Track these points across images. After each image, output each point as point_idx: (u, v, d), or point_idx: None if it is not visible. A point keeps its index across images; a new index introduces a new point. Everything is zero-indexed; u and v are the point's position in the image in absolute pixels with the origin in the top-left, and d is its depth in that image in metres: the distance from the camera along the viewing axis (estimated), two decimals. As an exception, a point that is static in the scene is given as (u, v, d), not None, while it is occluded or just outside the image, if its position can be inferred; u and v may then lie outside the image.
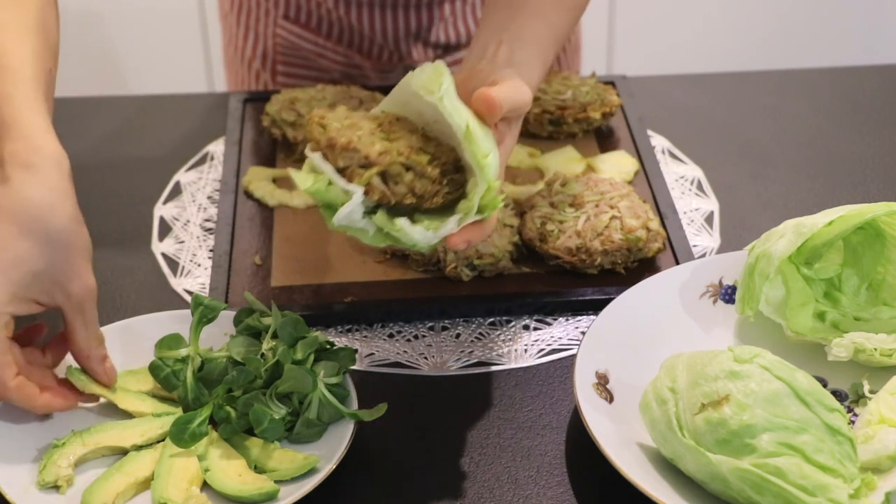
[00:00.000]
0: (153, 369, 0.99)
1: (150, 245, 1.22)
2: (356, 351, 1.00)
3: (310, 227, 1.21)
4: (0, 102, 0.91)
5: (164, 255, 1.21)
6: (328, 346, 1.00)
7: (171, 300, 1.15)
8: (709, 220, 1.25)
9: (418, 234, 0.90)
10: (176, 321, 1.03)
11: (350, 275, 1.14)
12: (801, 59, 2.71)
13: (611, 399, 0.98)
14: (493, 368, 1.07)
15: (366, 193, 0.90)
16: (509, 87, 0.95)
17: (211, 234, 1.23)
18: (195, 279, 1.17)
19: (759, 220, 1.24)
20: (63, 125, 1.41)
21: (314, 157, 0.91)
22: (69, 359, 0.98)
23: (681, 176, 1.32)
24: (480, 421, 1.02)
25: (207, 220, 1.25)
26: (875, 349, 1.00)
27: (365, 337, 1.10)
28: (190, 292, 1.16)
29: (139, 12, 2.61)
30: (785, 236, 1.02)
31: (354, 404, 0.97)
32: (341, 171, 0.90)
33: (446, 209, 0.93)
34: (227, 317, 1.02)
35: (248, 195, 1.26)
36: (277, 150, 1.33)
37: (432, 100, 0.90)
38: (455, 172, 0.93)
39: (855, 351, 1.00)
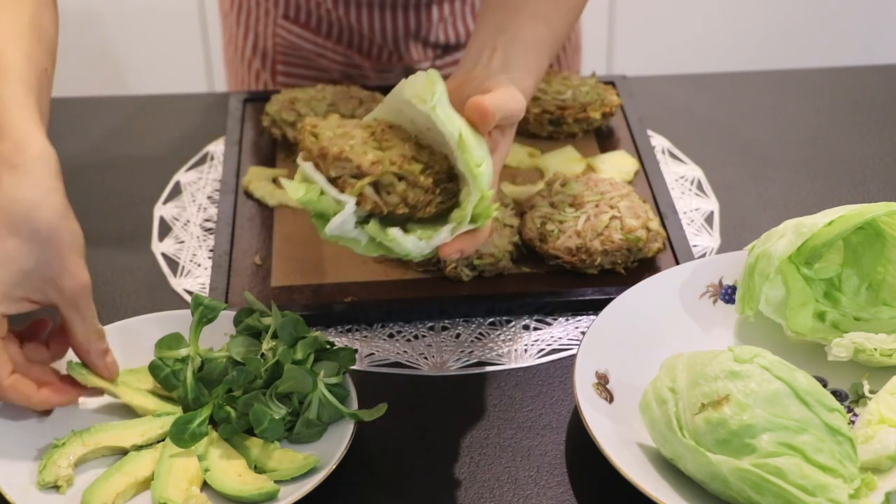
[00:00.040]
0: (153, 369, 0.99)
1: (150, 245, 1.22)
2: (356, 351, 1.00)
3: (310, 227, 1.20)
4: None
5: (164, 255, 1.21)
6: (328, 346, 1.00)
7: (171, 300, 1.15)
8: (709, 220, 1.25)
9: (411, 243, 0.90)
10: (176, 321, 1.03)
11: (350, 275, 1.14)
12: (801, 59, 2.71)
13: (611, 399, 0.98)
14: (493, 368, 1.07)
15: (358, 203, 0.89)
16: (502, 94, 0.94)
17: (211, 234, 1.23)
18: (195, 279, 1.17)
19: (759, 220, 1.24)
20: (63, 125, 1.42)
21: (306, 167, 0.91)
22: (72, 353, 0.98)
23: (681, 176, 1.32)
24: (480, 421, 1.02)
25: (207, 220, 1.25)
26: (875, 349, 1.00)
27: (365, 337, 1.10)
28: (190, 292, 1.16)
29: (139, 12, 2.61)
30: (785, 236, 1.02)
31: (354, 404, 0.97)
32: (333, 181, 0.90)
33: (439, 218, 0.93)
34: (227, 317, 1.02)
35: (248, 195, 1.26)
36: (277, 150, 1.33)
37: (425, 108, 0.90)
38: (448, 181, 0.92)
39: (855, 351, 1.00)
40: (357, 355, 1.03)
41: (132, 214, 1.27)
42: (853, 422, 0.97)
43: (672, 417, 0.89)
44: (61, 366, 0.98)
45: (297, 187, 0.90)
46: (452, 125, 0.89)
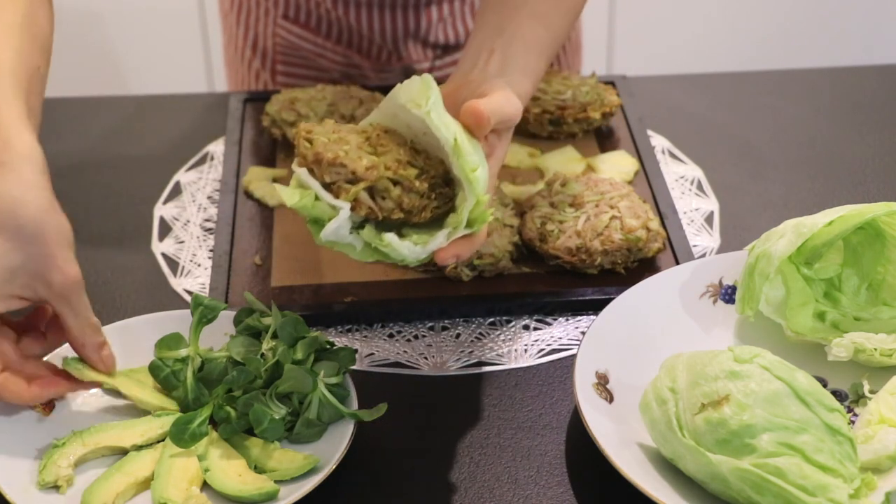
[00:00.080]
0: (153, 369, 0.99)
1: (150, 245, 1.22)
2: (356, 351, 1.00)
3: (310, 227, 1.21)
4: None
5: (164, 255, 1.21)
6: (328, 346, 1.00)
7: (171, 300, 1.15)
8: (709, 220, 1.25)
9: (406, 249, 0.90)
10: (176, 321, 1.03)
11: (350, 275, 1.14)
12: (801, 59, 2.71)
13: (611, 399, 0.98)
14: (493, 368, 1.07)
15: (353, 209, 0.89)
16: (498, 98, 0.94)
17: (211, 234, 1.23)
18: (195, 279, 1.17)
19: (759, 220, 1.24)
20: (63, 125, 1.42)
21: (301, 173, 0.91)
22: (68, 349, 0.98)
23: (681, 176, 1.32)
24: (480, 421, 1.02)
25: (207, 220, 1.25)
26: (875, 349, 1.00)
27: (365, 337, 1.10)
28: (190, 292, 1.16)
29: (139, 12, 2.61)
30: (785, 236, 1.02)
31: (354, 404, 0.97)
32: (328, 187, 0.90)
33: (435, 223, 0.93)
34: (227, 317, 1.02)
35: (248, 195, 1.26)
36: (277, 150, 1.33)
37: (420, 113, 0.90)
38: (444, 186, 0.92)
39: (855, 351, 1.00)
40: (357, 355, 1.03)
41: (132, 214, 1.27)
42: (853, 422, 0.97)
43: (672, 417, 0.89)
44: (61, 357, 0.98)
45: (292, 193, 0.90)
46: (447, 130, 0.89)
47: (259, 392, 0.95)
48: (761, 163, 1.34)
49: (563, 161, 1.30)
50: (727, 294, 1.09)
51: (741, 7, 2.75)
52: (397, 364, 1.08)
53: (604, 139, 1.34)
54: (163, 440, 0.96)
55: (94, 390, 1.01)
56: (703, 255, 1.19)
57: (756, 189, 1.30)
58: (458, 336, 1.10)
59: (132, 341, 1.03)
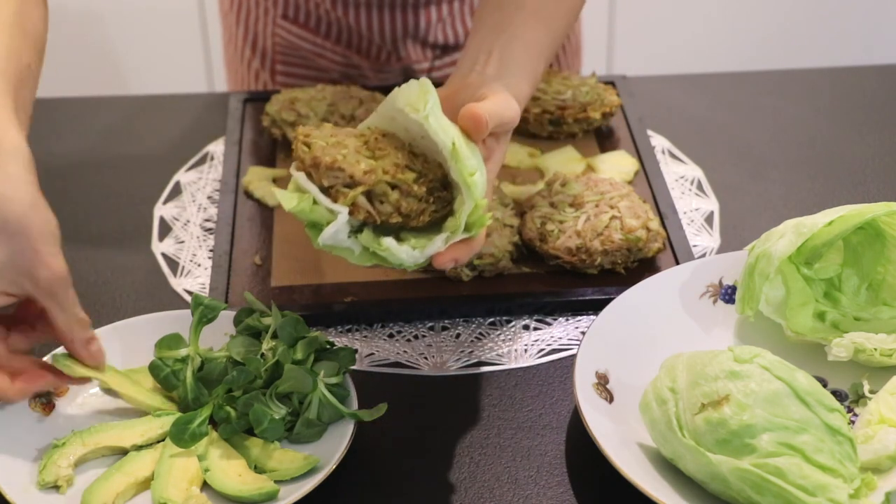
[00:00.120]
0: (153, 369, 0.99)
1: (150, 245, 1.22)
2: (356, 351, 1.00)
3: (309, 227, 1.21)
4: None
5: (164, 255, 1.21)
6: (328, 346, 1.00)
7: (171, 300, 1.15)
8: (709, 220, 1.25)
9: (405, 253, 0.90)
10: (176, 321, 1.03)
11: (350, 275, 1.14)
12: (801, 59, 2.71)
13: (611, 399, 0.98)
14: (493, 368, 1.07)
15: (351, 213, 0.89)
16: (497, 102, 0.94)
17: (211, 234, 1.23)
18: (195, 279, 1.17)
19: (759, 220, 1.24)
20: (63, 125, 1.42)
21: (299, 177, 0.91)
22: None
23: (681, 176, 1.32)
24: (480, 421, 1.02)
25: (207, 220, 1.25)
26: (875, 349, 1.00)
27: (365, 337, 1.10)
28: (190, 292, 1.16)
29: (139, 12, 2.61)
30: (785, 236, 1.02)
31: (354, 404, 0.97)
32: (326, 191, 0.90)
33: (433, 226, 0.93)
34: (227, 317, 1.02)
35: (248, 195, 1.26)
36: (277, 150, 1.34)
37: (418, 118, 0.89)
38: (442, 189, 0.92)
39: (855, 351, 1.00)
40: (357, 355, 1.03)
41: (132, 214, 1.27)
42: (853, 422, 0.97)
43: (672, 417, 0.89)
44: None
45: (290, 197, 0.90)
46: (445, 135, 0.89)
47: (259, 392, 0.95)
48: (761, 163, 1.34)
49: (563, 161, 1.30)
50: (727, 294, 1.09)
51: (741, 7, 2.75)
52: (397, 364, 1.08)
53: (604, 139, 1.34)
54: (163, 440, 0.96)
55: (94, 390, 1.01)
56: (703, 255, 1.19)
57: (756, 189, 1.30)
58: (458, 336, 1.10)
59: (132, 341, 1.03)
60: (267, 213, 1.23)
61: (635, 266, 1.15)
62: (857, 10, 2.79)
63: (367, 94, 1.34)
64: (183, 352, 1.00)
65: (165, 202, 1.29)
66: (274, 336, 0.99)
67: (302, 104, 1.31)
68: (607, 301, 1.05)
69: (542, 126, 1.33)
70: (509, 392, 1.04)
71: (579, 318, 1.12)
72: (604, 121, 1.34)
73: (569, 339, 1.10)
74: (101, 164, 1.35)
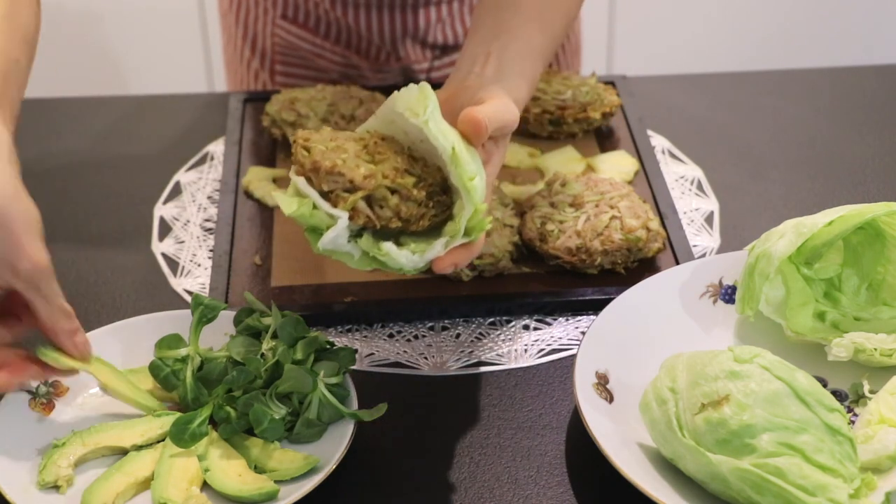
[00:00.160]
0: (153, 369, 0.99)
1: (150, 245, 1.22)
2: (356, 351, 1.00)
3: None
4: None
5: (164, 255, 1.21)
6: (328, 346, 1.00)
7: (171, 300, 1.15)
8: (709, 220, 1.25)
9: (404, 258, 0.90)
10: (176, 321, 1.03)
11: (350, 275, 1.14)
12: (801, 59, 2.71)
13: (611, 399, 0.98)
14: (493, 368, 1.07)
15: (351, 218, 0.89)
16: (496, 105, 0.94)
17: (211, 234, 1.23)
18: (195, 279, 1.17)
19: (759, 220, 1.24)
20: (63, 125, 1.42)
21: (298, 181, 0.91)
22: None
23: (681, 176, 1.32)
24: (480, 421, 1.02)
25: (207, 220, 1.25)
26: (875, 349, 1.00)
27: (365, 337, 1.10)
28: (190, 292, 1.16)
29: (139, 12, 2.61)
30: (785, 236, 1.02)
31: (354, 404, 0.97)
32: (326, 195, 0.89)
33: (433, 231, 0.93)
34: (227, 317, 1.02)
35: (248, 195, 1.26)
36: (277, 150, 1.34)
37: (418, 122, 0.89)
38: (442, 194, 0.92)
39: (855, 351, 1.00)
40: (357, 355, 1.03)
41: (132, 214, 1.27)
42: (853, 422, 0.97)
43: (672, 417, 0.89)
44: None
45: (290, 202, 0.90)
46: (445, 139, 0.89)
47: (259, 392, 0.95)
48: (761, 163, 1.34)
49: (563, 161, 1.30)
50: (727, 294, 1.09)
51: (741, 7, 2.75)
52: (397, 364, 1.08)
53: (604, 139, 1.34)
54: (163, 440, 0.96)
55: (94, 390, 1.01)
56: (703, 255, 1.19)
57: (756, 189, 1.30)
58: (458, 336, 1.10)
59: (132, 341, 1.03)
60: (267, 213, 1.23)
61: (635, 266, 1.15)
62: (857, 10, 2.79)
63: (367, 95, 1.34)
64: (183, 352, 1.00)
65: (165, 202, 1.29)
66: (274, 336, 0.99)
67: (302, 104, 1.31)
68: (607, 301, 1.05)
69: (542, 126, 1.33)
70: (509, 392, 1.04)
71: (579, 318, 1.12)
72: (604, 121, 1.34)
73: (569, 339, 1.10)
74: (101, 164, 1.35)
